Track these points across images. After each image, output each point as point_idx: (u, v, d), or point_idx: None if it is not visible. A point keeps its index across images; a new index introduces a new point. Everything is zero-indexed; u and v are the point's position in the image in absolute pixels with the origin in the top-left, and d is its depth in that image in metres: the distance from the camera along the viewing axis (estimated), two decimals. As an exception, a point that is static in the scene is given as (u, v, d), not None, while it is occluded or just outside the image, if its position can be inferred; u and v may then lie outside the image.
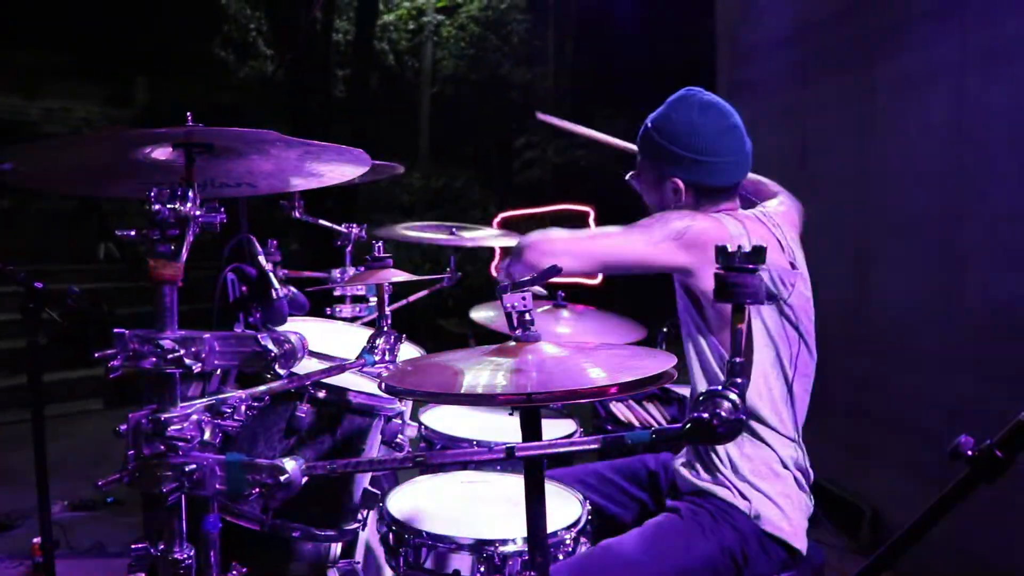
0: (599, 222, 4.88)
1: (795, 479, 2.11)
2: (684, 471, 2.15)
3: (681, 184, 2.17)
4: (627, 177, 2.37)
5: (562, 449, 1.22)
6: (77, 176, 1.64)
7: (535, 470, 1.42)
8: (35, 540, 3.33)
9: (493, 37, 15.27)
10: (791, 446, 2.11)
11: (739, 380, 1.11)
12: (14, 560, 3.69)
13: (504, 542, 1.92)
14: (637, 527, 2.06)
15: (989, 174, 3.25)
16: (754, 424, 2.06)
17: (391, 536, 2.02)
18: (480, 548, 1.92)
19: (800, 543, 2.05)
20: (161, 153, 1.44)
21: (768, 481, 2.06)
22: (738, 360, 1.12)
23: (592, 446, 1.15)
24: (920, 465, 3.52)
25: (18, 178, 1.56)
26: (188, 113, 1.36)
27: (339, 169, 1.64)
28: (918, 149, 3.74)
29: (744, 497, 2.04)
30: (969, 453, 1.09)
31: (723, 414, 1.09)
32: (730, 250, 1.11)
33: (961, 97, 3.42)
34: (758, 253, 1.09)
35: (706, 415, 1.09)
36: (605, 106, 12.00)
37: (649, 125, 2.24)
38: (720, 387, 1.11)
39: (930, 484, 3.34)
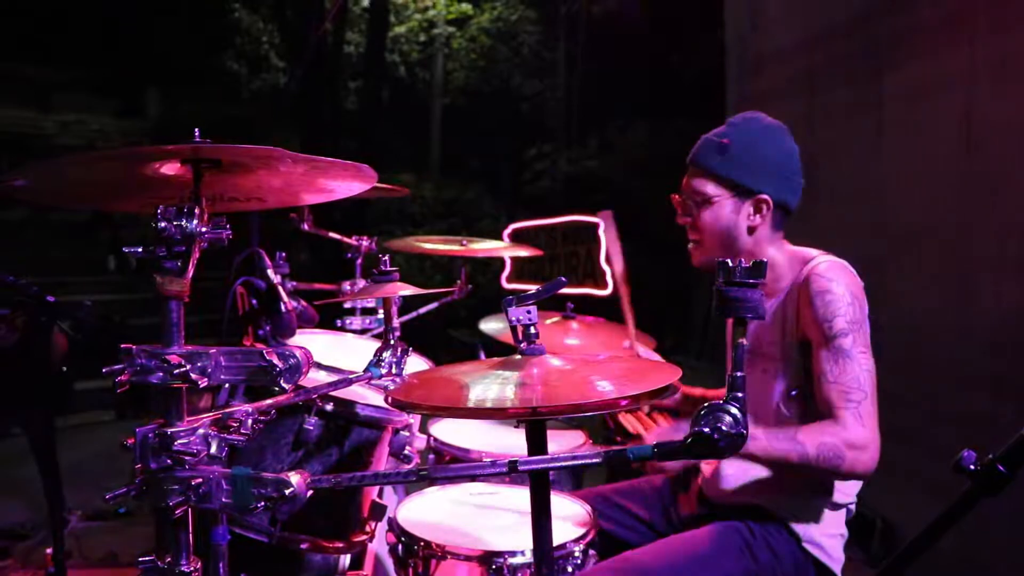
0: (609, 233, 4.89)
1: (849, 510, 2.12)
2: (738, 491, 2.13)
3: (770, 201, 2.12)
4: (682, 215, 2.22)
5: (565, 463, 1.23)
6: (89, 192, 1.66)
7: (541, 483, 1.42)
8: (48, 550, 3.35)
9: (504, 48, 15.34)
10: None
11: (739, 394, 1.11)
12: (28, 570, 3.71)
13: (513, 554, 1.92)
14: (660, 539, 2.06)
15: (999, 184, 3.23)
16: None
17: (400, 547, 2.03)
18: (489, 560, 1.92)
19: (839, 571, 2.07)
20: (170, 168, 1.45)
21: (830, 510, 2.07)
22: (739, 374, 1.12)
23: (595, 460, 1.15)
24: (932, 477, 3.49)
25: (31, 194, 1.57)
26: (196, 129, 1.37)
27: (347, 184, 1.66)
28: (928, 159, 3.73)
29: (799, 518, 2.04)
30: (972, 468, 1.09)
31: (724, 428, 1.09)
32: (731, 265, 1.11)
33: (971, 107, 3.41)
34: (758, 268, 1.10)
35: (707, 429, 1.10)
36: (616, 117, 12.01)
37: (729, 143, 2.13)
38: (722, 401, 1.11)
39: (942, 496, 3.31)
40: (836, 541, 2.08)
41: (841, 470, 1.86)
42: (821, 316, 1.95)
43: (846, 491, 2.08)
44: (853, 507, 2.14)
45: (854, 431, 1.86)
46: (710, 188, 2.13)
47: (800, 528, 2.03)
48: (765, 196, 2.11)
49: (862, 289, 2.04)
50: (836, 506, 2.08)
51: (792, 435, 1.88)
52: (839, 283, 1.99)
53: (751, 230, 2.14)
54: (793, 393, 2.06)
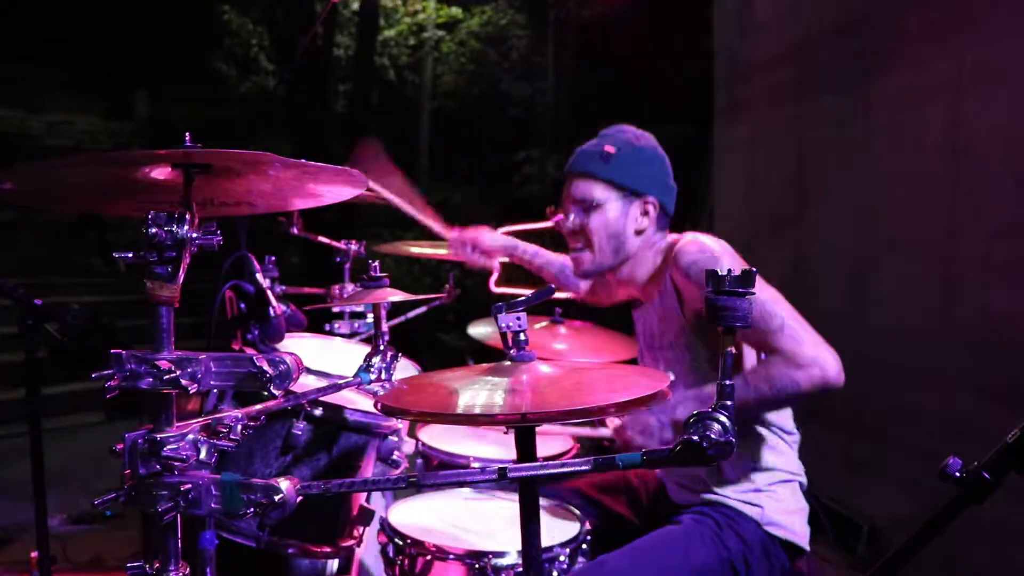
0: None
1: (800, 484, 2.15)
2: (685, 486, 2.17)
3: (656, 202, 2.21)
4: (567, 225, 2.28)
5: (555, 471, 1.23)
6: (77, 195, 1.65)
7: (529, 490, 1.43)
8: (33, 554, 3.33)
9: (493, 52, 15.32)
10: (796, 450, 2.15)
11: (728, 402, 1.12)
12: (11, 574, 3.69)
13: (499, 555, 1.93)
14: (627, 540, 2.08)
15: (986, 191, 3.26)
16: (773, 432, 2.12)
17: (391, 547, 2.03)
18: (474, 559, 1.93)
19: (806, 543, 2.10)
20: (160, 172, 1.45)
21: (781, 488, 2.10)
22: (728, 383, 1.13)
23: (583, 468, 1.16)
24: (918, 481, 3.51)
25: (18, 197, 1.57)
26: (186, 133, 1.37)
27: (337, 189, 1.66)
28: (915, 166, 3.75)
29: (756, 505, 2.08)
30: (957, 475, 1.09)
31: (713, 436, 1.09)
32: (721, 274, 1.12)
33: (957, 114, 3.43)
34: (748, 277, 1.11)
35: (696, 437, 1.10)
36: (605, 121, 11.99)
37: (614, 151, 2.21)
38: (710, 409, 1.12)
39: (928, 501, 3.32)
40: (796, 516, 2.12)
41: (803, 390, 1.90)
42: (700, 284, 1.97)
43: (789, 465, 2.13)
44: (804, 480, 2.17)
45: (793, 354, 1.91)
46: (598, 192, 2.21)
47: (756, 513, 2.07)
48: (652, 198, 2.20)
49: (729, 248, 2.10)
50: (785, 481, 2.10)
51: (743, 382, 1.92)
52: (702, 248, 2.06)
53: (639, 232, 2.23)
54: (694, 372, 2.13)
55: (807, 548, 2.11)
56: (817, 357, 1.91)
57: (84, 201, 1.82)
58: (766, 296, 1.97)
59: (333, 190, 1.64)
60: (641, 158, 2.23)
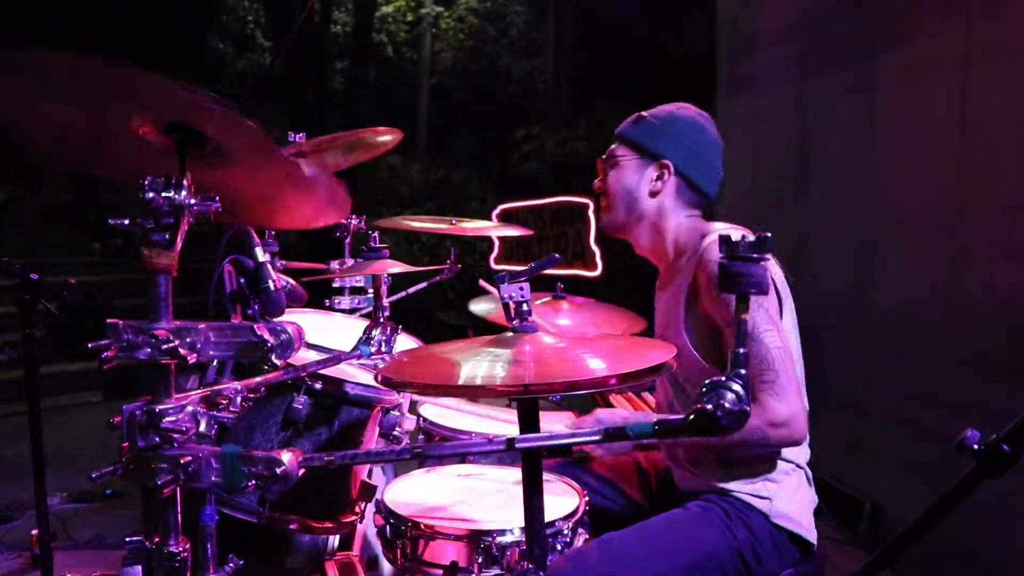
0: (597, 214, 4.88)
1: (807, 475, 2.12)
2: (691, 474, 2.13)
3: (671, 166, 2.20)
4: (598, 181, 2.34)
5: (563, 441, 1.21)
6: (68, 137, 1.56)
7: (533, 462, 1.40)
8: (33, 532, 3.32)
9: (492, 29, 15.25)
10: (806, 443, 2.11)
11: (742, 371, 1.09)
12: (13, 552, 3.68)
13: (502, 532, 1.90)
14: (636, 523, 2.05)
15: (992, 168, 3.23)
16: None
17: (388, 528, 2.00)
18: (477, 539, 1.90)
19: (814, 537, 2.06)
20: (149, 131, 1.39)
21: (786, 479, 2.06)
22: (741, 351, 1.10)
23: (594, 437, 1.13)
24: (920, 460, 3.50)
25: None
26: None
27: (323, 211, 1.60)
28: (921, 142, 3.71)
29: (763, 497, 2.03)
30: (975, 447, 1.07)
31: (727, 405, 1.07)
32: (734, 239, 1.09)
33: (964, 90, 3.40)
34: (762, 243, 1.08)
35: (710, 406, 1.07)
36: (605, 98, 11.95)
37: (645, 114, 2.27)
38: (724, 378, 1.09)
39: (930, 479, 3.33)
40: (804, 509, 2.07)
41: (769, 445, 1.94)
42: (718, 297, 1.95)
43: (797, 456, 2.09)
44: (810, 472, 2.14)
45: (772, 410, 1.88)
46: (620, 151, 2.28)
47: (764, 506, 2.03)
48: (667, 161, 2.20)
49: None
50: (793, 472, 2.07)
51: None
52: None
53: (652, 194, 2.23)
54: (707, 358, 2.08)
55: (815, 543, 2.07)
56: (791, 418, 1.90)
57: (74, 150, 1.72)
58: (773, 345, 1.92)
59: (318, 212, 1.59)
60: (671, 124, 2.24)
